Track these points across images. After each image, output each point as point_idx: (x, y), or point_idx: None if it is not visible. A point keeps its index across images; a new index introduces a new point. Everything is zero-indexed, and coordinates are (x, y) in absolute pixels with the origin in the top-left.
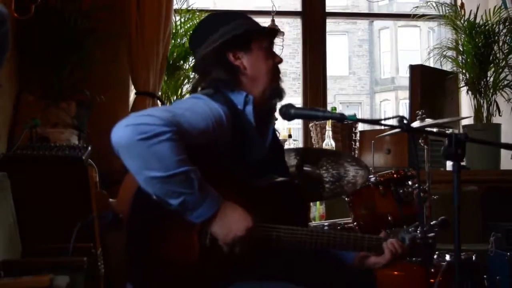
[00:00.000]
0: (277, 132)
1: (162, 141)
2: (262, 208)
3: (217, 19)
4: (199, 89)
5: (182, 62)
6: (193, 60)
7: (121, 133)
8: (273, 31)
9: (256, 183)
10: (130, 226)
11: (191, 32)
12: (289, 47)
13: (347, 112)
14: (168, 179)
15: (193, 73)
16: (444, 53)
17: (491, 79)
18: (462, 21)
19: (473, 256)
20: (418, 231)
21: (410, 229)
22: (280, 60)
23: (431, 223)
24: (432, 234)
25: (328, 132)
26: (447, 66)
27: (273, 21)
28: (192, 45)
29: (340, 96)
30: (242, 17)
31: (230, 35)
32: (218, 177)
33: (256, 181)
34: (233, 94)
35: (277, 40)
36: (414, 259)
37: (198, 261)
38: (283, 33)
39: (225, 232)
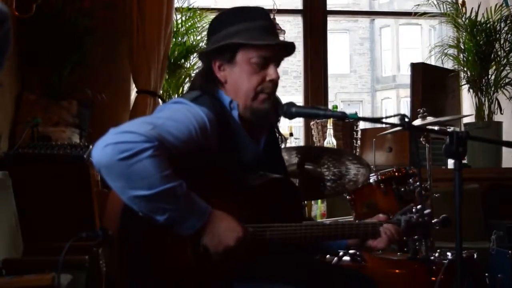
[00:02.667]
0: (277, 132)
1: (144, 158)
2: (256, 206)
3: (228, 17)
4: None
5: (183, 60)
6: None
7: (101, 153)
8: (276, 46)
9: (249, 182)
10: (121, 241)
11: (192, 30)
12: None
13: (348, 110)
14: (152, 197)
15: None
16: (446, 51)
17: (493, 77)
18: (463, 19)
19: (475, 254)
20: (413, 211)
21: (405, 210)
22: (273, 78)
23: (433, 221)
24: (428, 211)
25: (329, 131)
26: (449, 64)
27: (274, 19)
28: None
29: (341, 94)
30: (251, 19)
31: (212, 46)
32: (209, 181)
33: (249, 180)
34: (221, 96)
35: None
36: (412, 238)
37: (194, 267)
38: (284, 31)
39: (215, 243)
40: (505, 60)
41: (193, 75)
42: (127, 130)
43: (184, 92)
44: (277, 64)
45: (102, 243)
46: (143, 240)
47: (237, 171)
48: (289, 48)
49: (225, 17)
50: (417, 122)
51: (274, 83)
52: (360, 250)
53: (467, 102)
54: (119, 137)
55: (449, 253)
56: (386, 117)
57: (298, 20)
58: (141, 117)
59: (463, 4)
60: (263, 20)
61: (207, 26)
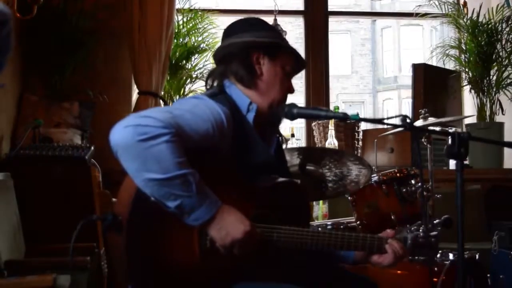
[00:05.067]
0: (280, 137)
1: (162, 143)
2: (265, 208)
3: (260, 23)
4: (208, 85)
5: (184, 61)
6: (217, 48)
7: (121, 133)
8: (301, 65)
9: (259, 184)
10: (130, 228)
11: (194, 31)
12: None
13: (350, 111)
14: (166, 181)
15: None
16: (447, 51)
17: (494, 77)
18: (465, 20)
19: (476, 255)
20: (420, 230)
21: (412, 228)
22: (292, 91)
23: (435, 222)
24: (434, 233)
25: (331, 131)
26: (450, 65)
27: (275, 20)
28: (224, 33)
29: (343, 95)
30: (281, 36)
31: (262, 38)
32: (220, 178)
33: (259, 181)
34: (238, 97)
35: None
36: (417, 258)
37: (199, 261)
38: (285, 32)
39: (223, 235)
40: (506, 61)
41: (194, 75)
42: (148, 115)
43: (186, 93)
44: None
45: (110, 228)
46: (151, 230)
47: (247, 172)
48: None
49: (267, 24)
50: (419, 123)
51: None
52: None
53: (469, 103)
54: (140, 121)
55: (451, 254)
56: (388, 118)
57: (299, 21)
58: (161, 107)
59: (465, 4)
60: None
61: (208, 27)
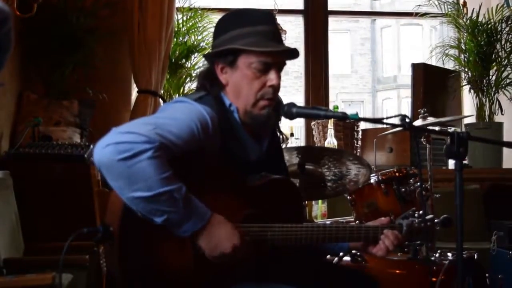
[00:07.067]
0: (279, 133)
1: (144, 160)
2: (257, 206)
3: (232, 19)
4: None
5: (184, 60)
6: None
7: (102, 153)
8: (278, 53)
9: (251, 182)
10: (122, 237)
11: (193, 30)
12: (291, 45)
13: (349, 110)
14: (151, 198)
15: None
16: (447, 51)
17: (494, 77)
18: (464, 20)
19: (475, 255)
20: (416, 215)
21: (407, 214)
22: (274, 84)
23: (435, 221)
24: (430, 216)
25: (330, 131)
26: (450, 65)
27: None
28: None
29: (342, 94)
30: (255, 23)
31: (216, 49)
32: (210, 181)
33: (251, 180)
34: (223, 98)
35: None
36: (413, 242)
37: (194, 266)
38: (285, 32)
39: (211, 247)
40: (506, 61)
41: (194, 74)
42: (129, 130)
43: (186, 91)
44: (279, 69)
45: (102, 239)
46: (143, 239)
47: (238, 171)
48: (291, 52)
49: (229, 19)
50: (418, 122)
51: (275, 88)
52: (361, 253)
53: (468, 103)
54: (120, 137)
55: (449, 254)
56: (387, 118)
57: (299, 20)
58: (143, 117)
59: (464, 4)
60: (266, 25)
61: (208, 26)
